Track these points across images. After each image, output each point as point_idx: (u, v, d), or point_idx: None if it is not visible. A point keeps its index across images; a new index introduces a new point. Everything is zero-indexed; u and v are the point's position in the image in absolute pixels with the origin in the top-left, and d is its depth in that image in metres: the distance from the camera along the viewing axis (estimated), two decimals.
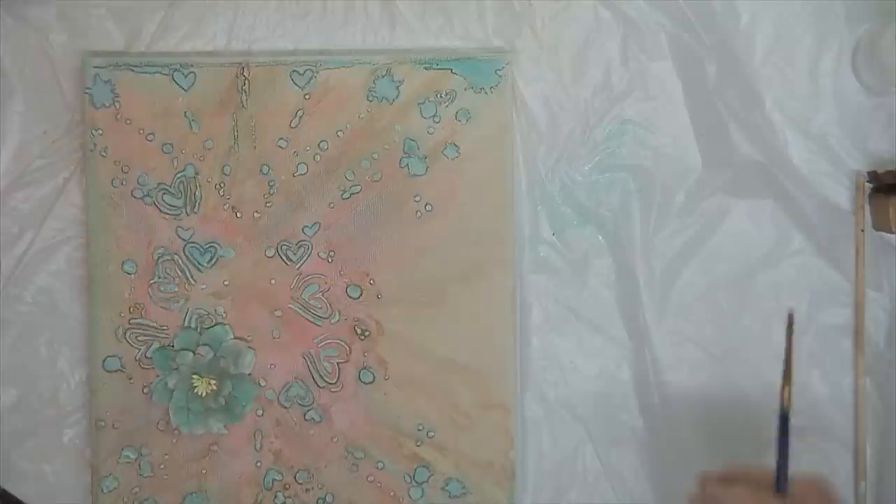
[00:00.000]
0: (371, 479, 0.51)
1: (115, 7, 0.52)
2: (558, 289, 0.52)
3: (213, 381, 0.50)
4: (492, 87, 0.51)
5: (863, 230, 0.51)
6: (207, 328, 0.51)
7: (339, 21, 0.52)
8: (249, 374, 0.51)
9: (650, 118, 0.52)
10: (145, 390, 0.51)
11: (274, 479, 0.51)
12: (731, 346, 0.52)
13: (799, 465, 0.51)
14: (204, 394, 0.50)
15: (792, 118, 0.51)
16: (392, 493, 0.51)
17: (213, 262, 0.51)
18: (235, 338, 0.51)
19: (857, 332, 0.52)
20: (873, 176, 0.50)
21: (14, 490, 0.45)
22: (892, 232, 0.49)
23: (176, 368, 0.50)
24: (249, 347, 0.51)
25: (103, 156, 0.51)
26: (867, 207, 0.51)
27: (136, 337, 0.51)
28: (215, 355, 0.50)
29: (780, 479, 0.39)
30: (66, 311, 0.52)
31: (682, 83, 0.52)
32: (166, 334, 0.51)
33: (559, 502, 0.52)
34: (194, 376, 0.50)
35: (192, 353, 0.50)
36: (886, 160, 0.51)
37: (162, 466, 0.51)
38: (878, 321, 0.52)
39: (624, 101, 0.52)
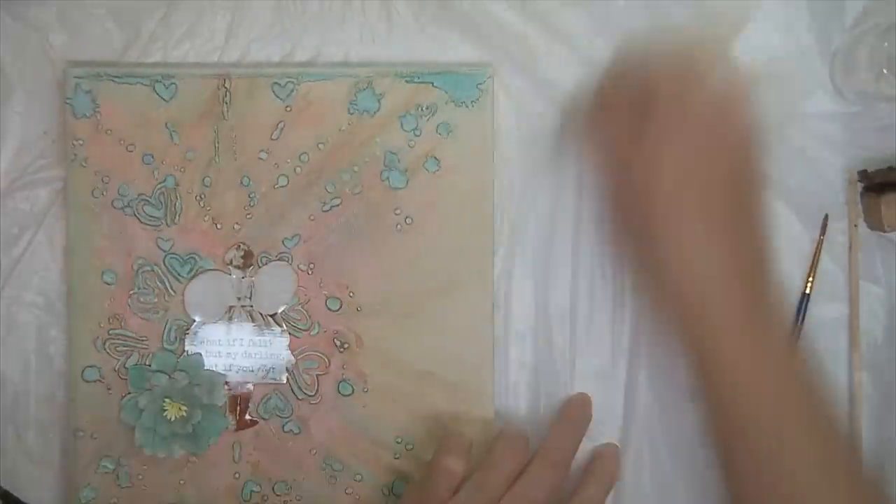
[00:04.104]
0: (349, 491, 0.51)
1: (114, 7, 0.52)
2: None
3: (183, 408, 0.50)
4: (473, 101, 0.51)
5: (856, 225, 0.51)
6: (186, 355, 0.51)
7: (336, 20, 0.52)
8: (220, 407, 0.51)
9: None
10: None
11: (252, 491, 0.51)
12: None
13: None
14: (173, 418, 0.50)
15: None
16: None
17: (192, 273, 0.51)
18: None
19: (852, 327, 0.52)
20: (864, 175, 0.50)
21: None
22: (884, 231, 0.50)
23: (149, 389, 0.50)
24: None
25: (83, 166, 0.51)
26: (860, 203, 0.51)
27: (116, 348, 0.51)
28: (190, 382, 0.50)
29: None
30: (66, 312, 0.52)
31: None
32: (146, 345, 0.51)
33: None
34: (166, 400, 0.50)
35: (167, 377, 0.50)
36: (878, 159, 0.51)
37: (140, 477, 0.51)
38: (875, 315, 0.52)
39: None
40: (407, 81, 0.51)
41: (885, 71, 0.49)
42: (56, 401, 0.52)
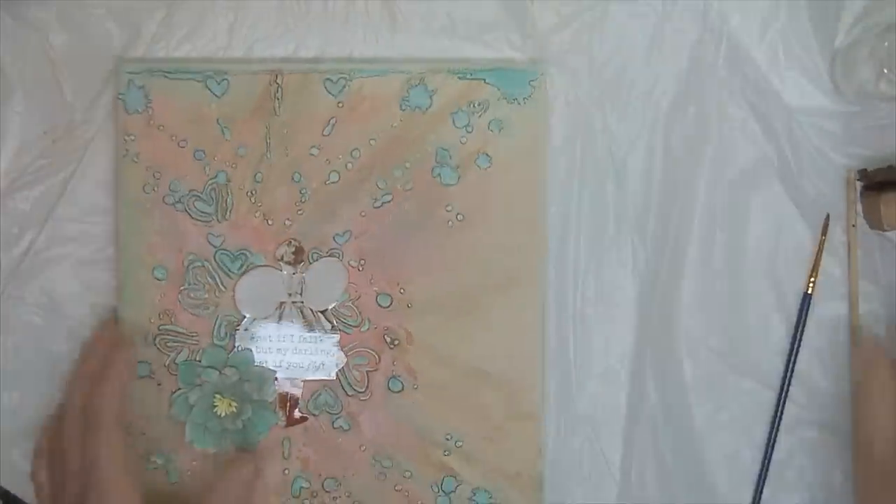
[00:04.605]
0: (398, 487, 0.51)
1: (114, 7, 0.52)
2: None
3: (234, 403, 0.50)
4: (525, 98, 0.51)
5: (854, 225, 0.51)
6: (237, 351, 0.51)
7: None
8: (271, 403, 0.51)
9: None
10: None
11: (301, 487, 0.51)
12: (730, 340, 0.52)
13: (797, 458, 0.52)
14: (223, 414, 0.50)
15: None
16: (419, 502, 0.51)
17: (243, 269, 0.51)
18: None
19: (852, 327, 0.52)
20: (863, 174, 0.50)
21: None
22: (883, 230, 0.49)
23: (200, 385, 0.50)
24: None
25: (135, 161, 0.51)
26: (858, 204, 0.51)
27: (166, 343, 0.51)
28: (240, 378, 0.51)
29: None
30: (68, 312, 0.52)
31: None
32: (196, 341, 0.51)
33: None
34: (216, 395, 0.50)
35: (217, 372, 0.50)
36: (877, 158, 0.51)
37: (189, 473, 0.51)
38: (876, 315, 0.52)
39: None
40: (459, 78, 0.51)
41: (885, 70, 0.49)
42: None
